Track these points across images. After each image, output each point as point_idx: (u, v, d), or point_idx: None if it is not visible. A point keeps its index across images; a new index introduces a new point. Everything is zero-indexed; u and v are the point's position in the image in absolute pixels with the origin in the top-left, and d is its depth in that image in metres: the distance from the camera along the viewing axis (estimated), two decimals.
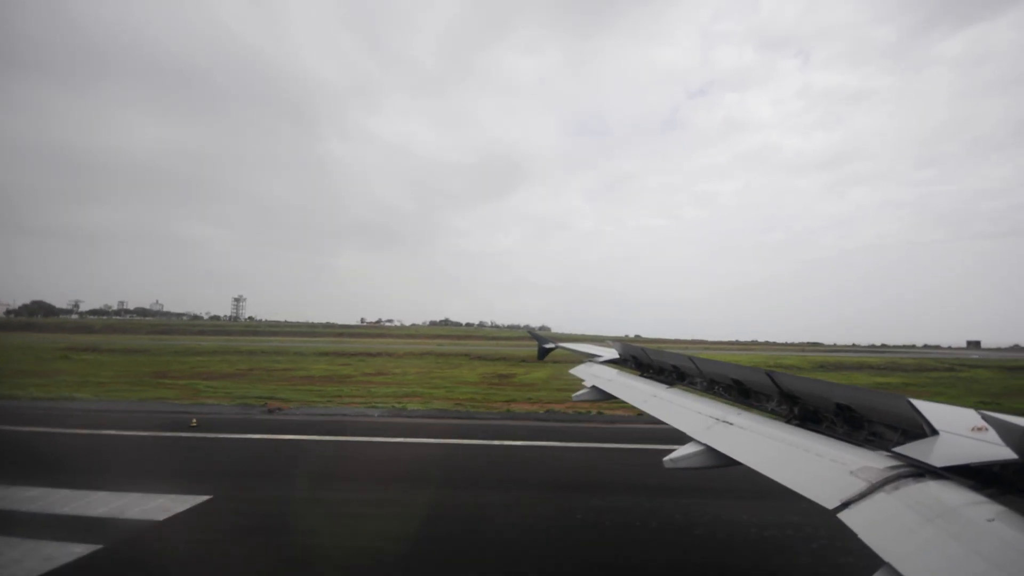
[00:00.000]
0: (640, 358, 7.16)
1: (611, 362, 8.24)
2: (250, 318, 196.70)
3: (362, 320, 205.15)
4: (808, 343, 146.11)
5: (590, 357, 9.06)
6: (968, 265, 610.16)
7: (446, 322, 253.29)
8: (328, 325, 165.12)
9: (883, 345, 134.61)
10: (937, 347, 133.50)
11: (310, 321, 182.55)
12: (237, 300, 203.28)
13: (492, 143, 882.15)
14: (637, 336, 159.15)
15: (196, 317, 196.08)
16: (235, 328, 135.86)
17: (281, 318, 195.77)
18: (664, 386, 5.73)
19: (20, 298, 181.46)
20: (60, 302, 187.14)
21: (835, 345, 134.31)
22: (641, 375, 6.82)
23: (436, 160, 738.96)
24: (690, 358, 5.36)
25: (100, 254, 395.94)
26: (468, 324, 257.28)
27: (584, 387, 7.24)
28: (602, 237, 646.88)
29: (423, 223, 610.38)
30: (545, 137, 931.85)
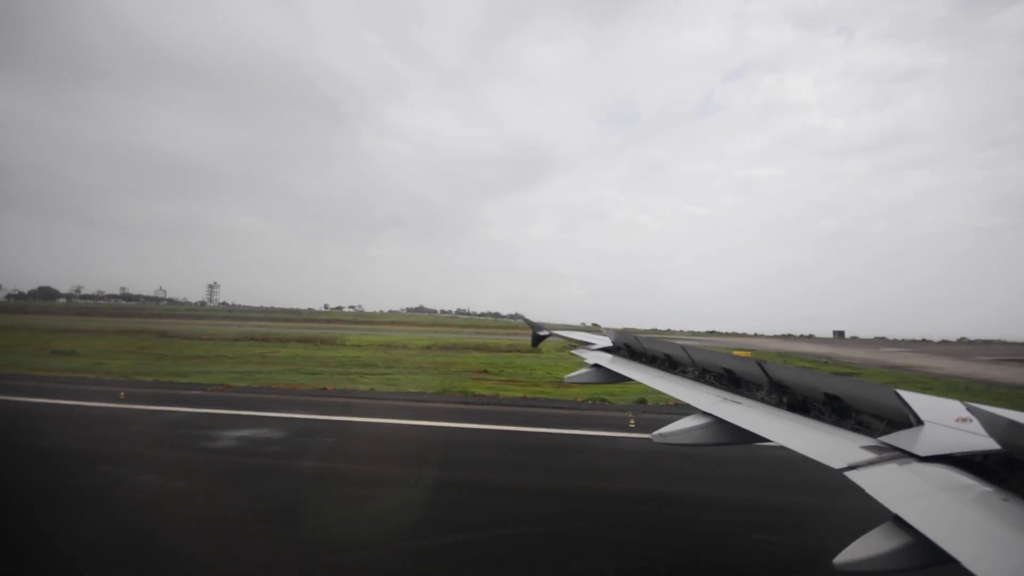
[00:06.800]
0: (633, 346, 7.16)
1: (604, 350, 8.29)
2: (223, 303, 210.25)
3: (325, 306, 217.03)
4: (708, 332, 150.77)
5: (584, 345, 9.14)
6: None
7: (420, 309, 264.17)
8: (293, 311, 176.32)
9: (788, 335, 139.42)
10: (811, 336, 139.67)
11: (287, 307, 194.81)
12: (211, 286, 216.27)
13: (519, 134, 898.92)
14: (668, 330, 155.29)
15: (173, 302, 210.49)
16: (198, 312, 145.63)
17: (265, 303, 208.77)
18: (659, 372, 5.89)
19: (72, 284, 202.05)
20: (90, 288, 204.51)
21: (735, 333, 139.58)
22: (637, 364, 6.88)
23: (464, 153, 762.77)
24: (682, 347, 5.48)
25: (147, 245, 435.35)
26: (443, 311, 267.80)
27: (586, 366, 7.29)
28: (637, 227, 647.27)
29: (453, 215, 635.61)
30: (573, 126, 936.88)
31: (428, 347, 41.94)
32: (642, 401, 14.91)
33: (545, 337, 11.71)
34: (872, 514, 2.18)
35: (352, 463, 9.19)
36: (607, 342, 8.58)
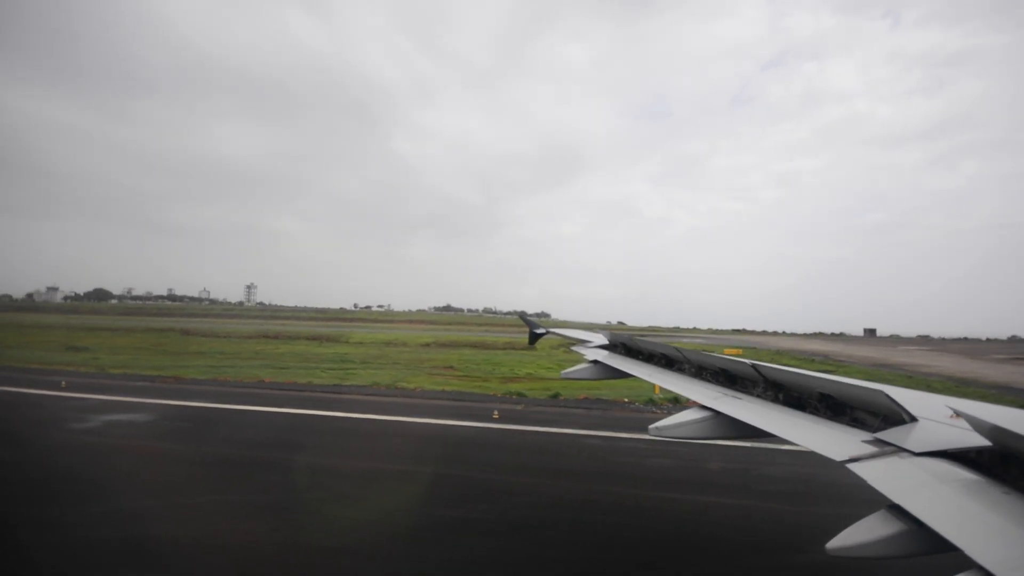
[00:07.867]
0: (629, 345, 7.28)
1: (600, 348, 8.45)
2: (260, 303, 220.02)
3: (355, 305, 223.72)
4: (734, 330, 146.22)
5: (580, 343, 9.28)
6: None
7: (447, 308, 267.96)
8: (321, 310, 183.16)
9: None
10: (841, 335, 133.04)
11: (320, 307, 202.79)
12: (249, 287, 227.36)
13: (548, 132, 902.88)
14: (695, 328, 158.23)
15: (214, 302, 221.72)
16: (233, 312, 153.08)
17: (299, 303, 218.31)
18: (657, 368, 6.02)
19: (124, 286, 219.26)
20: (140, 290, 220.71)
21: (765, 331, 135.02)
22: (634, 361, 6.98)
23: (494, 152, 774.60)
24: (677, 348, 5.63)
25: (195, 248, 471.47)
26: (469, 311, 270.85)
27: (584, 362, 7.38)
28: (670, 223, 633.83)
29: (484, 214, 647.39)
30: (603, 123, 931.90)
31: (425, 344, 43.05)
32: (556, 396, 15.29)
33: (541, 335, 11.86)
34: (847, 520, 2.26)
35: (176, 443, 10.04)
36: (604, 341, 8.76)
